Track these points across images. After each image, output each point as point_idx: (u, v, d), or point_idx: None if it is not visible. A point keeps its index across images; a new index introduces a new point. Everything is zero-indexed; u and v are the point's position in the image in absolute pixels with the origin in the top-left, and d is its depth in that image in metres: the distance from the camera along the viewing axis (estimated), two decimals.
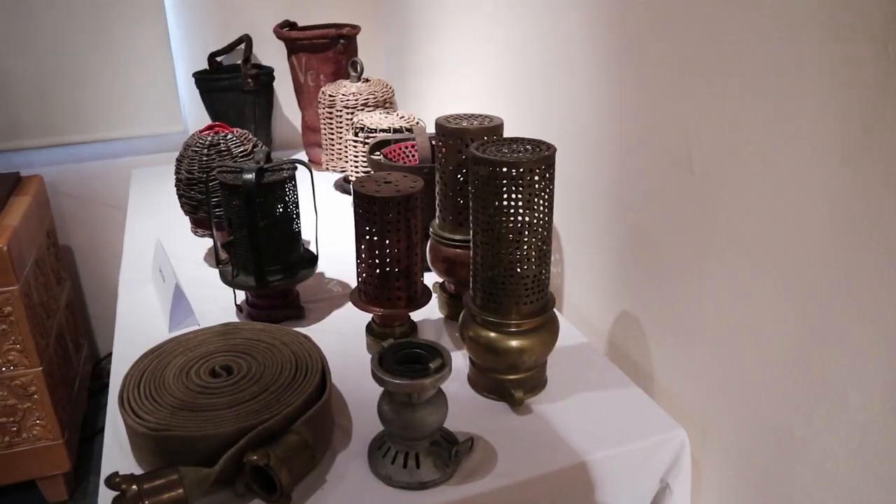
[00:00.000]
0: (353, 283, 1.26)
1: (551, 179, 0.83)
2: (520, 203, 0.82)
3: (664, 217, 0.92)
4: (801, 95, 0.68)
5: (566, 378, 0.99)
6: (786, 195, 0.72)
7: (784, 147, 0.70)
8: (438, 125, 1.01)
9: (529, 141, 0.87)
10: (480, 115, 1.04)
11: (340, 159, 1.61)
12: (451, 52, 1.61)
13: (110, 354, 2.21)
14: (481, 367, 0.95)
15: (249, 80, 1.74)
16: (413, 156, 1.30)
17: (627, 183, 0.99)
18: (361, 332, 1.08)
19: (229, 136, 1.22)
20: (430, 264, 1.09)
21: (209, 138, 1.21)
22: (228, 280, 1.09)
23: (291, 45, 1.72)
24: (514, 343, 0.90)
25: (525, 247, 0.85)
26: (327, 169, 1.67)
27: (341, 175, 1.69)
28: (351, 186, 1.40)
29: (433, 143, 1.26)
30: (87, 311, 2.10)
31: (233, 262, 1.09)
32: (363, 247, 0.97)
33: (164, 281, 1.15)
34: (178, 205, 1.30)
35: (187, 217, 1.31)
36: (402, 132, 1.38)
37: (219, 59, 1.90)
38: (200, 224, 1.25)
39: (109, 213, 1.97)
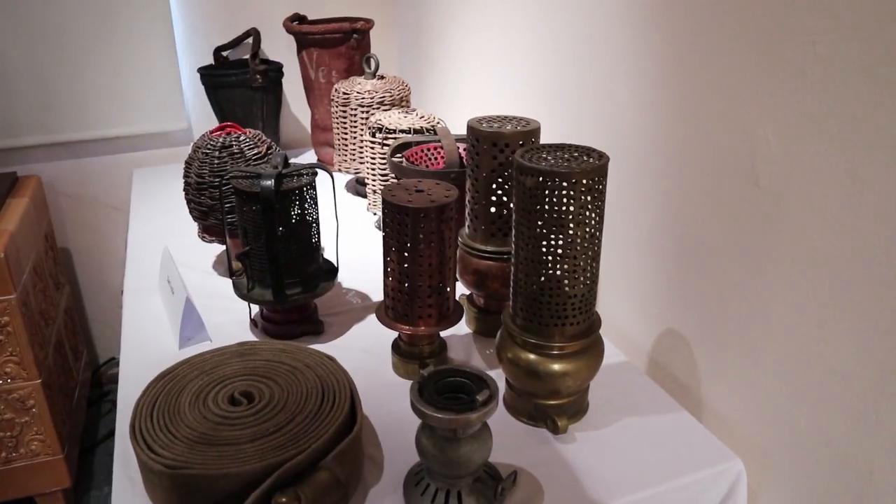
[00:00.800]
0: (373, 293, 1.20)
1: (603, 191, 0.76)
2: (570, 217, 0.75)
3: (723, 230, 0.85)
4: None
5: (608, 401, 0.92)
6: (874, 212, 0.65)
7: (876, 159, 0.63)
8: (471, 128, 0.94)
9: (577, 148, 0.80)
10: (514, 118, 0.97)
11: (354, 160, 1.54)
12: (471, 48, 1.53)
13: (110, 360, 2.14)
14: (520, 391, 0.88)
15: (258, 77, 1.66)
16: (436, 159, 1.23)
17: (678, 192, 0.92)
18: (386, 348, 1.01)
19: (242, 138, 1.14)
20: (457, 276, 1.02)
21: (220, 140, 1.13)
22: (243, 293, 1.01)
23: (302, 40, 1.64)
24: (556, 366, 0.83)
25: (574, 264, 0.78)
26: (339, 170, 1.60)
27: (353, 176, 1.62)
28: (366, 190, 1.33)
29: (464, 146, 1.19)
30: (86, 315, 2.02)
31: (248, 273, 1.02)
32: (391, 260, 0.90)
33: (172, 293, 1.08)
34: (183, 207, 1.22)
35: (195, 222, 1.23)
36: (423, 133, 1.30)
37: (224, 53, 1.82)
38: (210, 231, 1.17)
39: (110, 214, 1.89)
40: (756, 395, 0.84)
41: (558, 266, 0.78)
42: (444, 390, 0.72)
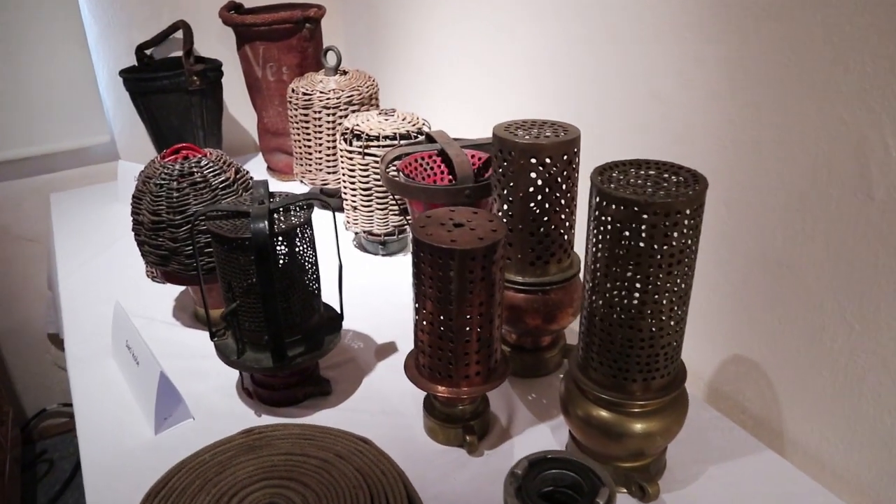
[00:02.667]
0: (372, 332, 1.03)
1: (701, 220, 0.62)
2: (671, 255, 0.61)
3: (815, 247, 0.73)
4: None
5: (682, 445, 0.79)
6: None
7: None
8: (501, 139, 0.78)
9: (657, 164, 0.66)
10: (543, 122, 0.82)
11: (321, 170, 1.34)
12: (446, 34, 1.36)
13: (41, 412, 1.86)
14: (593, 452, 0.75)
15: (195, 78, 1.42)
16: (433, 169, 1.06)
17: (746, 202, 0.79)
18: (412, 407, 0.85)
19: (204, 162, 0.93)
20: None
21: (177, 167, 0.92)
22: (232, 359, 0.82)
23: (244, 33, 1.42)
24: (639, 426, 0.70)
25: (667, 310, 0.64)
26: (302, 181, 1.40)
27: (314, 186, 1.41)
28: (343, 206, 1.13)
29: (472, 153, 1.03)
30: (7, 365, 1.73)
31: (235, 334, 0.83)
32: (427, 311, 0.73)
33: (137, 364, 0.87)
34: (120, 237, 1.01)
35: (149, 266, 1.02)
36: (410, 138, 1.13)
37: (148, 51, 1.56)
38: (174, 278, 0.96)
39: (25, 247, 1.61)
40: (864, 432, 0.73)
41: (651, 314, 0.64)
42: (541, 485, 0.57)
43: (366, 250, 1.26)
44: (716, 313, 0.88)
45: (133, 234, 0.97)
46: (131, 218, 0.96)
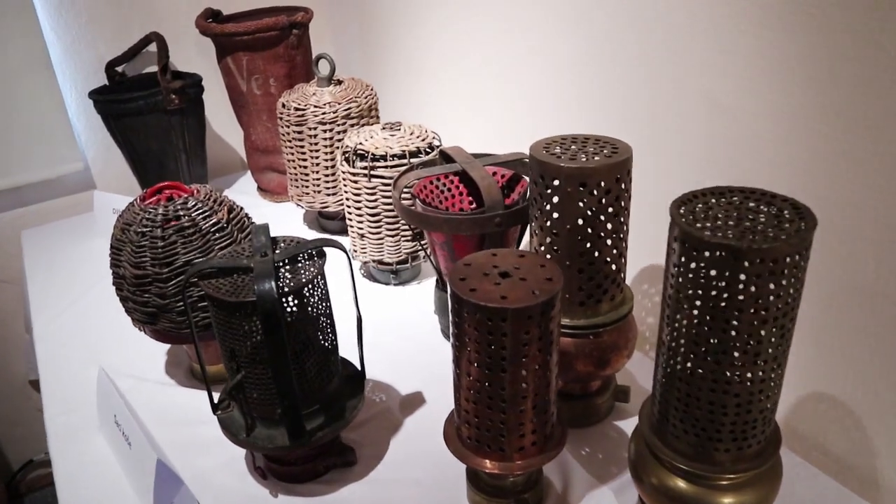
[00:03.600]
0: (392, 379, 0.91)
1: (807, 262, 0.51)
2: (778, 307, 0.50)
3: None
4: None
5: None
6: None
7: None
8: (542, 163, 0.67)
9: (741, 191, 0.55)
10: (584, 137, 0.71)
11: (319, 192, 1.22)
12: (448, 36, 1.24)
13: (28, 463, 1.73)
14: None
15: (173, 97, 1.29)
16: (451, 191, 0.94)
17: (840, 224, 0.68)
18: (451, 475, 0.74)
19: (191, 203, 0.81)
20: None
21: (160, 210, 0.80)
22: (241, 438, 0.70)
23: (225, 43, 1.29)
24: (728, 501, 0.59)
25: (769, 370, 0.53)
26: (298, 204, 1.28)
27: (312, 209, 1.29)
28: (349, 230, 1.01)
29: (495, 170, 0.91)
30: None
31: (242, 407, 0.71)
32: (472, 378, 0.61)
33: (129, 446, 0.75)
34: (100, 279, 0.90)
35: (135, 324, 0.89)
36: (420, 156, 1.01)
37: (119, 68, 1.42)
38: (164, 336, 0.84)
39: None
40: None
41: (749, 376, 0.53)
42: None
43: (376, 280, 1.15)
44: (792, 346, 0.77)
45: (115, 288, 0.85)
46: (111, 270, 0.84)
